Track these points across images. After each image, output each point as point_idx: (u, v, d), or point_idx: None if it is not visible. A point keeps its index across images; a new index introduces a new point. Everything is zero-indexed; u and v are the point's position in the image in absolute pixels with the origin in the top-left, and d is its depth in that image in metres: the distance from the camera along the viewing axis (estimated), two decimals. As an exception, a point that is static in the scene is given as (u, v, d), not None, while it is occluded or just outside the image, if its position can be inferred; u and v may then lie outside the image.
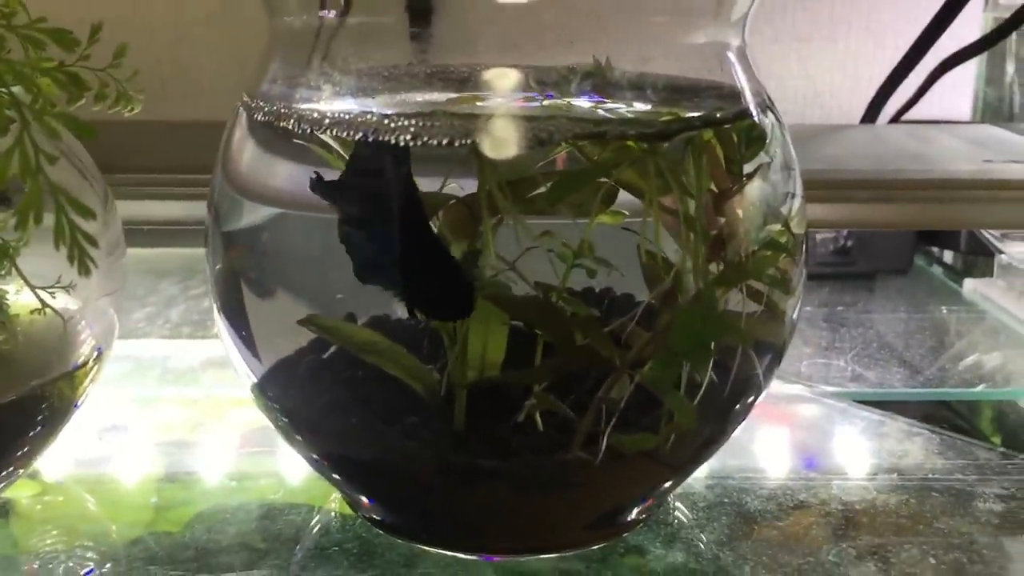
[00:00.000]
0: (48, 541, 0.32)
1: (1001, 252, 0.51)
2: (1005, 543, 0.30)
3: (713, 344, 0.26)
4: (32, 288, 0.28)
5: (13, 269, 0.28)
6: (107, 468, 0.36)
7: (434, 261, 0.25)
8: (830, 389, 0.41)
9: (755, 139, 0.27)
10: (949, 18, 0.52)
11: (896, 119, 0.59)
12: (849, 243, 0.52)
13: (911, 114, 0.62)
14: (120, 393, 0.41)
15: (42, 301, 0.28)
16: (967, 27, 0.65)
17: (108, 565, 0.31)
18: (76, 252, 0.22)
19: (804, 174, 0.37)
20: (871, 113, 0.56)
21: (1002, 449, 0.36)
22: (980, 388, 0.42)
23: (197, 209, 0.46)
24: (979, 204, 0.40)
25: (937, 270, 0.56)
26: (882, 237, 0.53)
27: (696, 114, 0.27)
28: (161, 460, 0.37)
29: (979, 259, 0.54)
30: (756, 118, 0.28)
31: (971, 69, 0.66)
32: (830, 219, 0.43)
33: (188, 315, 0.49)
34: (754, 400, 0.29)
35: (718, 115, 0.27)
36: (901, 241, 0.53)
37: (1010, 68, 0.60)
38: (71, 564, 0.31)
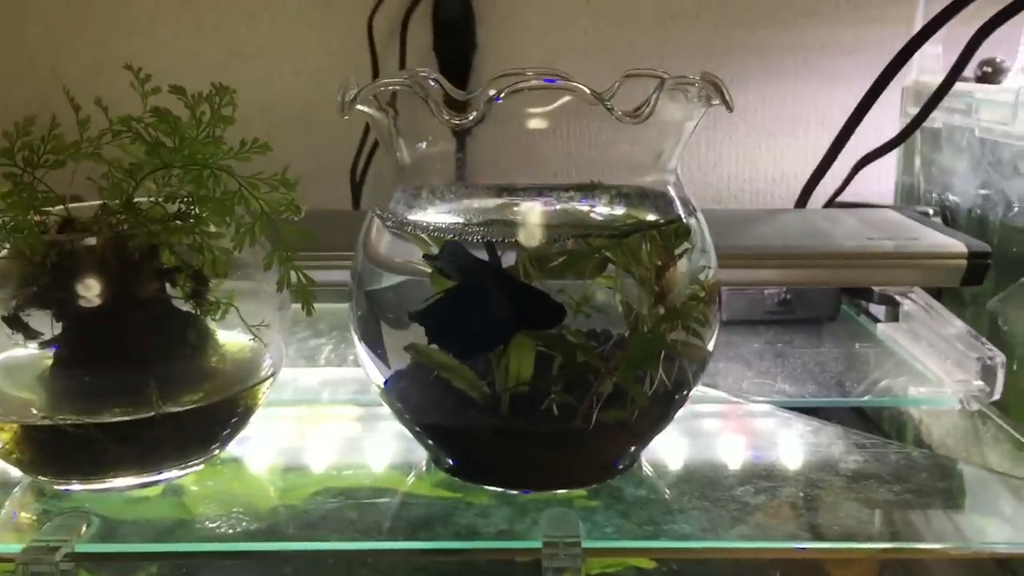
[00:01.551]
0: (211, 509, 0.46)
1: (902, 304, 0.69)
2: (852, 485, 0.47)
3: (661, 356, 0.44)
4: (249, 327, 0.46)
5: (218, 317, 0.47)
6: (247, 460, 0.50)
7: (533, 293, 0.42)
8: (760, 398, 0.58)
9: (682, 233, 0.45)
10: (855, 126, 0.70)
11: (830, 203, 0.77)
12: (788, 296, 0.70)
13: (847, 196, 0.80)
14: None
15: (254, 334, 0.46)
16: (891, 131, 0.83)
17: (256, 524, 0.45)
18: (306, 303, 0.40)
19: (743, 248, 0.56)
20: (803, 199, 0.74)
21: (864, 434, 0.53)
22: (866, 398, 0.59)
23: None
24: (859, 269, 0.58)
25: (861, 318, 0.73)
26: (814, 292, 0.70)
27: (647, 218, 0.45)
28: (285, 455, 0.51)
29: (891, 308, 0.71)
30: (684, 219, 0.45)
31: (892, 162, 0.84)
32: (760, 279, 0.61)
33: (300, 352, 0.67)
34: (687, 393, 0.46)
35: (660, 220, 0.45)
36: (828, 295, 0.71)
37: (917, 162, 0.77)
38: (231, 521, 0.47)
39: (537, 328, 0.42)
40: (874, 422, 0.65)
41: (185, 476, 0.48)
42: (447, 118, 0.39)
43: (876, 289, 0.69)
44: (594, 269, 0.44)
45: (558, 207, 0.47)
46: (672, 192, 0.46)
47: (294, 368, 0.64)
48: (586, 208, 0.48)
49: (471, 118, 0.39)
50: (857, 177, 0.79)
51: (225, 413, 0.47)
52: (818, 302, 0.70)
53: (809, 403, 0.58)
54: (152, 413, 0.43)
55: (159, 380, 0.44)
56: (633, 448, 0.47)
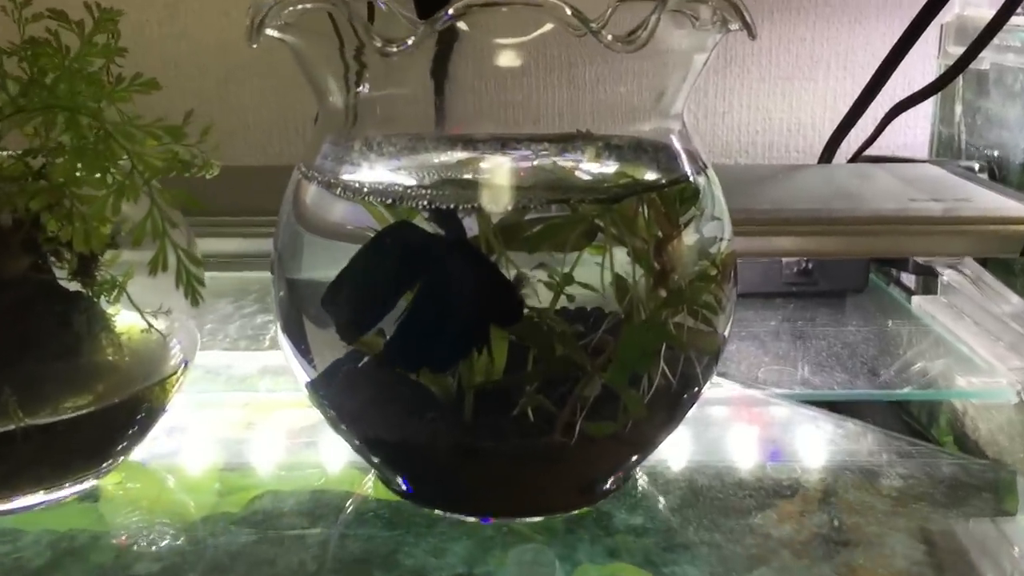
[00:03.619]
0: (133, 519, 0.39)
1: (942, 274, 0.59)
2: (899, 510, 0.38)
3: (661, 351, 0.35)
4: (141, 312, 0.37)
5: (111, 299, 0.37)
6: (178, 460, 0.43)
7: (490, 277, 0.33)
8: (780, 391, 0.49)
9: (689, 197, 0.35)
10: (891, 70, 0.60)
11: (857, 156, 0.67)
12: (810, 265, 0.60)
13: (874, 149, 0.71)
14: (191, 396, 0.49)
15: (148, 322, 0.37)
16: (922, 73, 0.74)
17: (182, 538, 0.38)
18: (190, 289, 0.31)
19: (761, 212, 0.46)
20: (827, 153, 0.64)
21: (908, 438, 0.44)
22: (907, 390, 0.49)
23: (248, 245, 0.54)
24: (899, 236, 0.48)
25: (892, 289, 0.64)
26: (839, 260, 0.61)
27: (644, 178, 0.36)
28: (223, 453, 0.44)
29: (927, 279, 0.62)
30: (691, 179, 0.36)
31: (929, 110, 0.74)
32: (782, 249, 0.51)
33: (243, 331, 0.58)
34: (696, 394, 0.37)
35: (662, 180, 0.36)
36: (856, 264, 0.61)
37: (958, 110, 0.68)
38: (153, 536, 0.38)
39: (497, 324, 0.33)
40: (905, 408, 0.56)
41: (64, 500, 0.38)
42: (378, 44, 0.30)
43: (918, 259, 0.59)
44: (577, 242, 0.35)
45: (534, 163, 0.38)
46: (677, 144, 0.36)
47: (234, 351, 0.55)
48: (570, 164, 0.38)
49: (409, 43, 0.29)
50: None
51: (120, 419, 0.38)
52: (844, 272, 0.61)
53: (839, 396, 0.48)
54: (12, 427, 0.34)
55: (28, 383, 0.35)
56: (628, 463, 0.38)
